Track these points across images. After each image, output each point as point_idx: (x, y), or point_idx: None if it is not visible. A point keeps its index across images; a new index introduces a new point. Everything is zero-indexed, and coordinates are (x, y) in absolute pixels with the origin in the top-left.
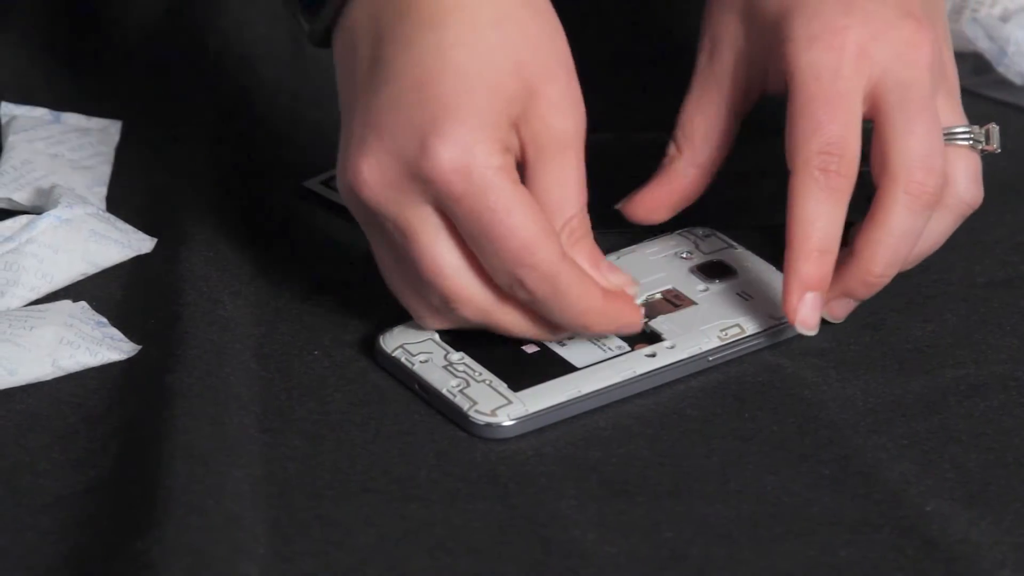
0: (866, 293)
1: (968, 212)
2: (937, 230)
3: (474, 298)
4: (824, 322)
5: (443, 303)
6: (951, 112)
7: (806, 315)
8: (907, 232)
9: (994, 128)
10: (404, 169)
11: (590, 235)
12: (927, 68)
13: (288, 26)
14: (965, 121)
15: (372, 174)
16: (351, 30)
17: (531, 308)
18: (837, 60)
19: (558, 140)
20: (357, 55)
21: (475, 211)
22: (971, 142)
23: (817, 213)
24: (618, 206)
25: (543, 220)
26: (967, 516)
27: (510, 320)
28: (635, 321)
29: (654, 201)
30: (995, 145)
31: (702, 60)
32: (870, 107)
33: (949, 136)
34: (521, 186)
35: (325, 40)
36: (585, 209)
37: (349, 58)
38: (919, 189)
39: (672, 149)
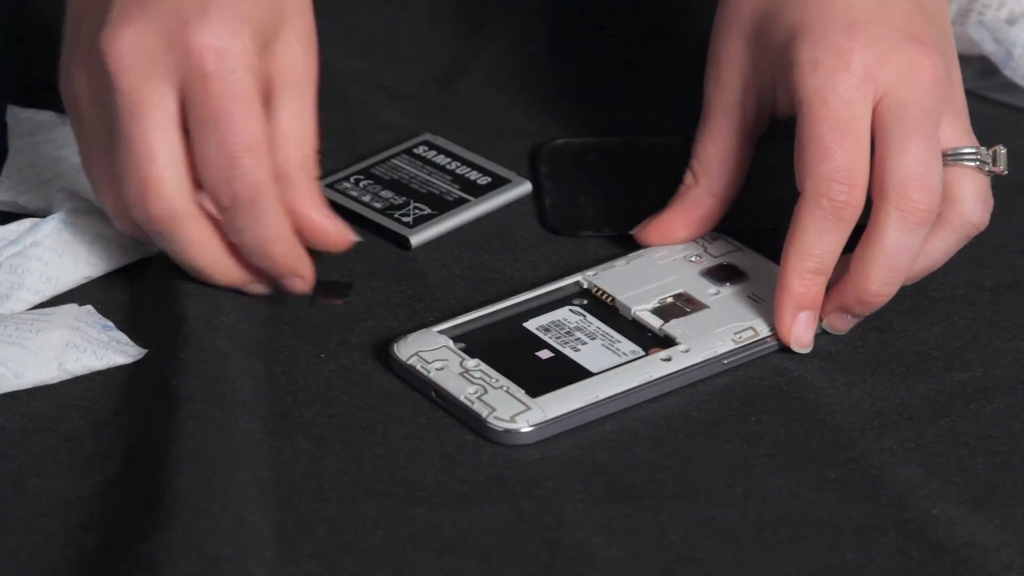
0: (863, 310)
1: (974, 233)
2: (940, 248)
3: (170, 193)
4: None
5: (138, 195)
6: (958, 133)
7: (800, 333)
8: (902, 249)
9: (1001, 150)
10: (162, 41)
11: (317, 178)
12: (928, 90)
13: None
14: (972, 142)
15: (128, 43)
16: None
17: (224, 220)
18: (843, 83)
19: (302, 74)
20: None
21: (216, 93)
22: (977, 163)
23: (818, 240)
24: (632, 232)
25: (267, 134)
26: (974, 519)
27: (193, 234)
28: (307, 275)
29: (670, 227)
30: (1002, 167)
31: (710, 87)
32: (871, 127)
33: (956, 156)
34: (260, 95)
35: None
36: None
37: None
38: (912, 206)
39: (688, 178)
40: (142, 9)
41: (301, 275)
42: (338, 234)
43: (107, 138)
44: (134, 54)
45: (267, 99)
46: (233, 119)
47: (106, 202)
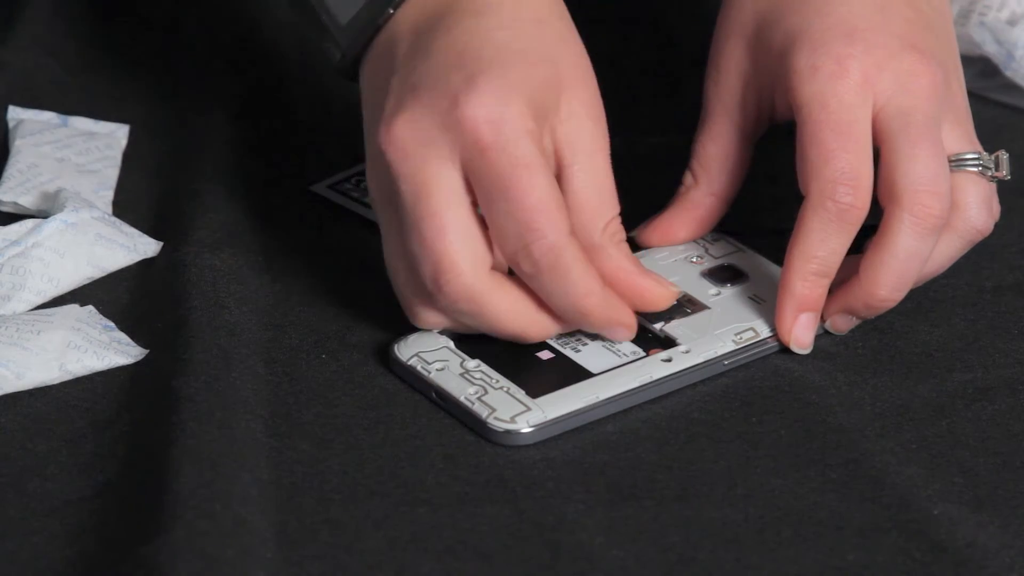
0: (869, 314)
1: (978, 238)
2: (945, 254)
3: (465, 269)
4: None
5: (433, 276)
6: (960, 139)
7: (800, 335)
8: (913, 255)
9: (1003, 155)
10: (436, 120)
11: (625, 240)
12: (928, 97)
13: (295, 31)
14: (975, 148)
15: (403, 130)
16: (388, 42)
17: (531, 285)
18: (842, 88)
19: (592, 140)
20: (395, 57)
21: (499, 164)
22: (980, 168)
23: (823, 242)
24: (633, 233)
25: (559, 194)
26: (975, 520)
27: (498, 305)
28: (630, 323)
29: (671, 228)
30: (1005, 172)
31: (710, 87)
32: (874, 135)
33: (958, 162)
34: (545, 157)
35: (353, 70)
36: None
37: (382, 67)
38: (924, 212)
39: (688, 179)
40: (414, 95)
41: (623, 324)
42: (660, 291)
43: (399, 231)
44: (409, 140)
45: (559, 172)
46: (519, 185)
47: (405, 293)
